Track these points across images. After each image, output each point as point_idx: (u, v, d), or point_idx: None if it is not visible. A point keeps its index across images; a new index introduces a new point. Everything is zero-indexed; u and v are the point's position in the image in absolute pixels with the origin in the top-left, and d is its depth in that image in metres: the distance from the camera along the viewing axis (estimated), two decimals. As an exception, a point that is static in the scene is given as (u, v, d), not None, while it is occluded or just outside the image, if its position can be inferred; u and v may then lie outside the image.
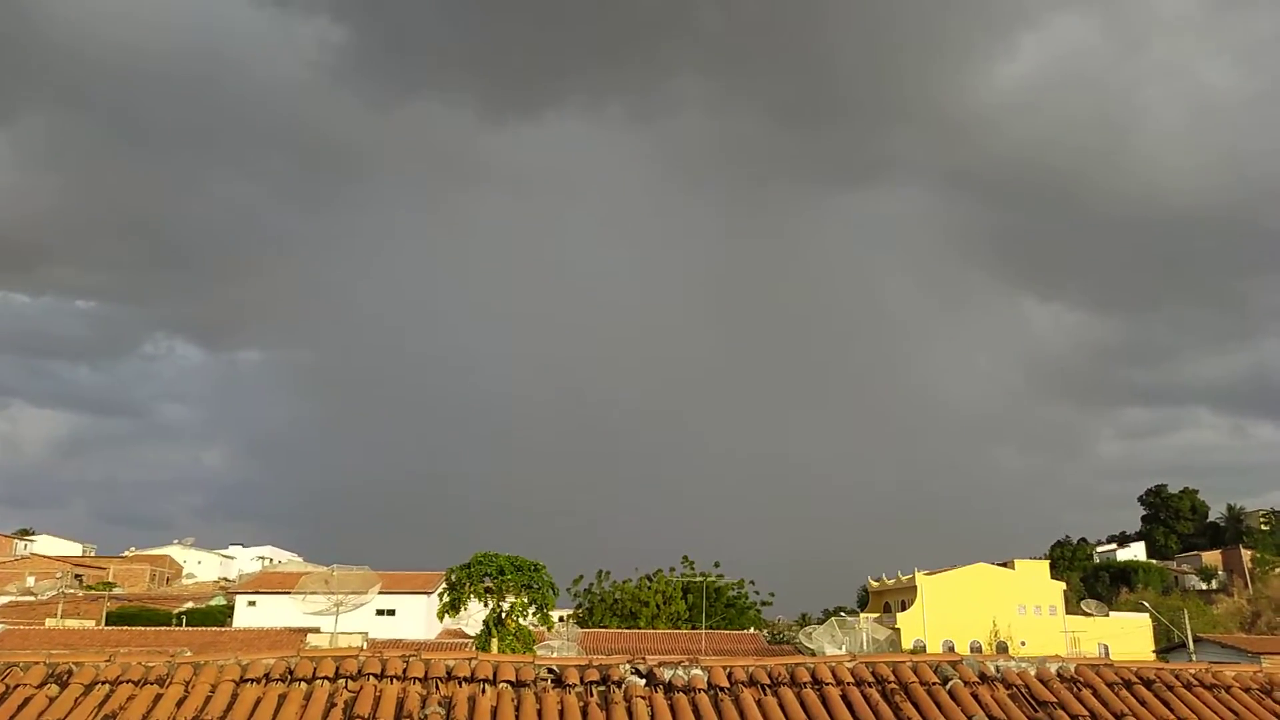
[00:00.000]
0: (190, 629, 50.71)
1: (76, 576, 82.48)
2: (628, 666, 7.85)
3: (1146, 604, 64.47)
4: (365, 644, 37.28)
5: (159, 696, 7.28)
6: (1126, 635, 58.48)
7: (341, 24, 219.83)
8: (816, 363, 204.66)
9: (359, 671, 7.59)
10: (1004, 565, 65.87)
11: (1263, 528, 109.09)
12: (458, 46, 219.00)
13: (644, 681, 7.72)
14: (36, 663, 7.67)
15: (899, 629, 59.33)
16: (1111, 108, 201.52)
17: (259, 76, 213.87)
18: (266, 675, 7.52)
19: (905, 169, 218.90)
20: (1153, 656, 53.09)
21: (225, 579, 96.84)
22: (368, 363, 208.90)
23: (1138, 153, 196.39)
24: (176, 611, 65.30)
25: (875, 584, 70.75)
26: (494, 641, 29.63)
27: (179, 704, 7.19)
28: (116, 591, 75.88)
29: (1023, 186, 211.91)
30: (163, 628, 51.29)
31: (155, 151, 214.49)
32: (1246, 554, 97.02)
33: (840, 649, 47.22)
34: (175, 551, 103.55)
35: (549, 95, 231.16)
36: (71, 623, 53.07)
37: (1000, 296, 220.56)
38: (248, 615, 52.75)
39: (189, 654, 9.57)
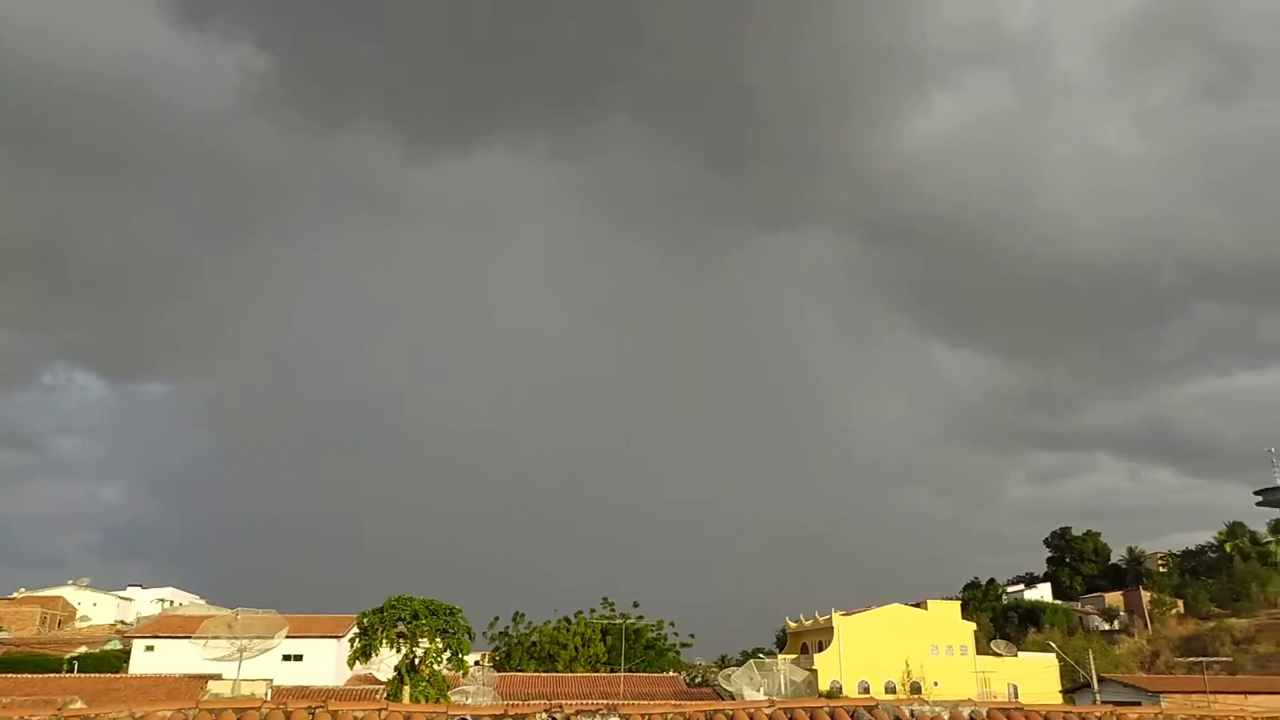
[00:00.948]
0: (83, 676, 48.08)
1: (-42, 620, 77.77)
2: (545, 715, 7.70)
3: (1053, 644, 66.23)
4: (270, 692, 35.90)
5: (43, 754, 6.85)
6: (1034, 675, 59.83)
7: (266, 53, 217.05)
8: (738, 403, 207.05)
9: (262, 724, 7.28)
10: (918, 606, 66.87)
11: (1161, 570, 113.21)
12: (387, 79, 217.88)
13: (560, 731, 7.56)
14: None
15: (816, 670, 59.62)
16: (1018, 167, 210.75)
17: (177, 102, 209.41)
18: (162, 729, 7.15)
19: (825, 216, 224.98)
20: (1059, 696, 54.44)
21: (122, 622, 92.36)
22: (277, 396, 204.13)
23: (1043, 211, 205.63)
24: (68, 657, 61.88)
25: (793, 625, 71.10)
26: (406, 689, 28.78)
27: (65, 762, 6.78)
28: (3, 636, 71.74)
29: (935, 237, 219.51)
30: (52, 675, 48.54)
31: (64, 175, 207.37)
32: (1146, 595, 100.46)
33: (759, 691, 47.25)
34: (69, 593, 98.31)
35: (477, 131, 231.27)
36: (-50, 670, 49.90)
37: (914, 342, 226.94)
38: (145, 661, 50.38)
39: (79, 704, 9.05)
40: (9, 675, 46.07)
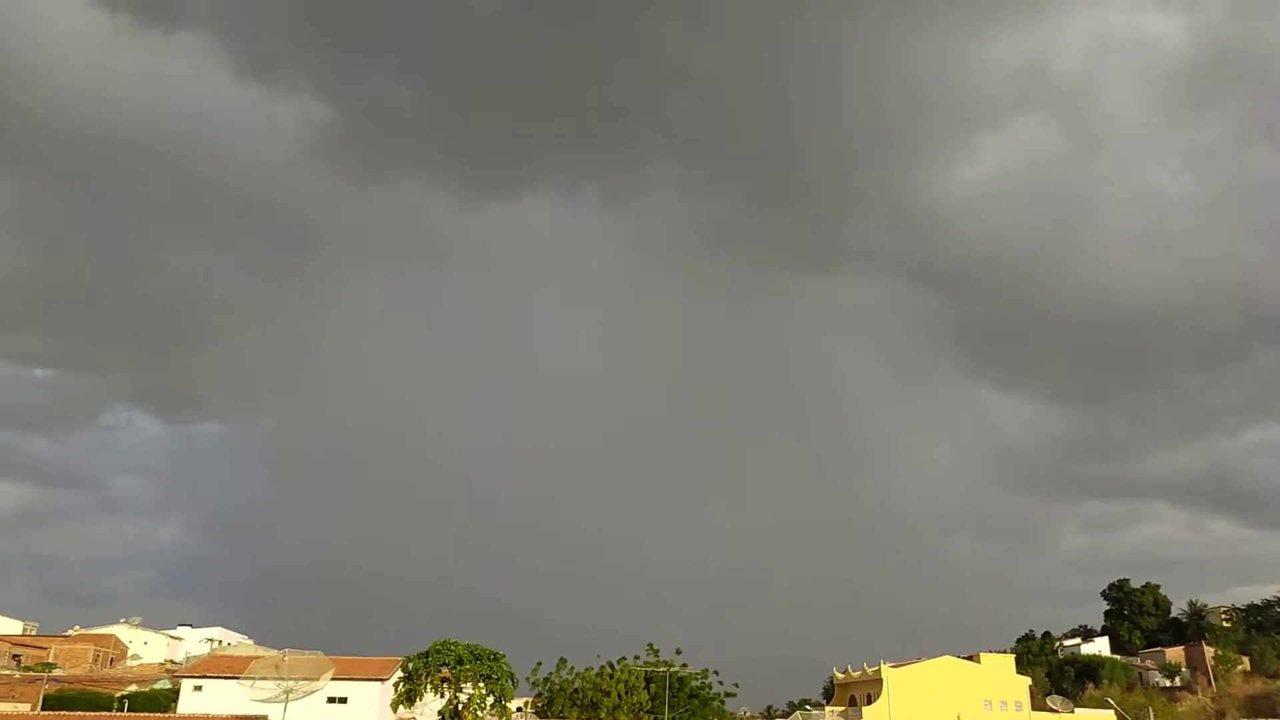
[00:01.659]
0: (132, 715, 48.65)
1: (14, 656, 79.21)
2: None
3: (1111, 700, 64.13)
4: (315, 734, 35.99)
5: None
6: (1092, 733, 57.96)
7: (324, 103, 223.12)
8: (782, 450, 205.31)
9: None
10: (970, 658, 65.26)
11: (1225, 625, 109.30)
12: (438, 128, 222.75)
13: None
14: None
15: (864, 723, 58.35)
16: (1067, 209, 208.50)
17: (238, 152, 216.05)
18: (215, 775, 7.24)
19: (871, 260, 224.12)
20: (1119, 756, 52.55)
21: (172, 661, 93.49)
22: (329, 440, 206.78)
23: (1092, 253, 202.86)
24: (119, 695, 62.69)
25: (840, 676, 69.71)
26: (450, 733, 28.70)
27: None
28: (56, 673, 72.85)
29: (982, 280, 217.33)
30: (103, 713, 49.19)
31: (122, 222, 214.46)
32: (1209, 651, 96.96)
33: (805, 744, 46.29)
34: (121, 631, 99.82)
35: (527, 176, 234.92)
36: (5, 707, 50.81)
37: (962, 387, 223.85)
38: (193, 701, 50.80)
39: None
40: (61, 714, 46.83)
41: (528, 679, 64.28)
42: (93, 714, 47.33)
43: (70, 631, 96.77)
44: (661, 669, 61.77)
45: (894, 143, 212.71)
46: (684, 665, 65.63)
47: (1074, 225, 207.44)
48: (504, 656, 30.67)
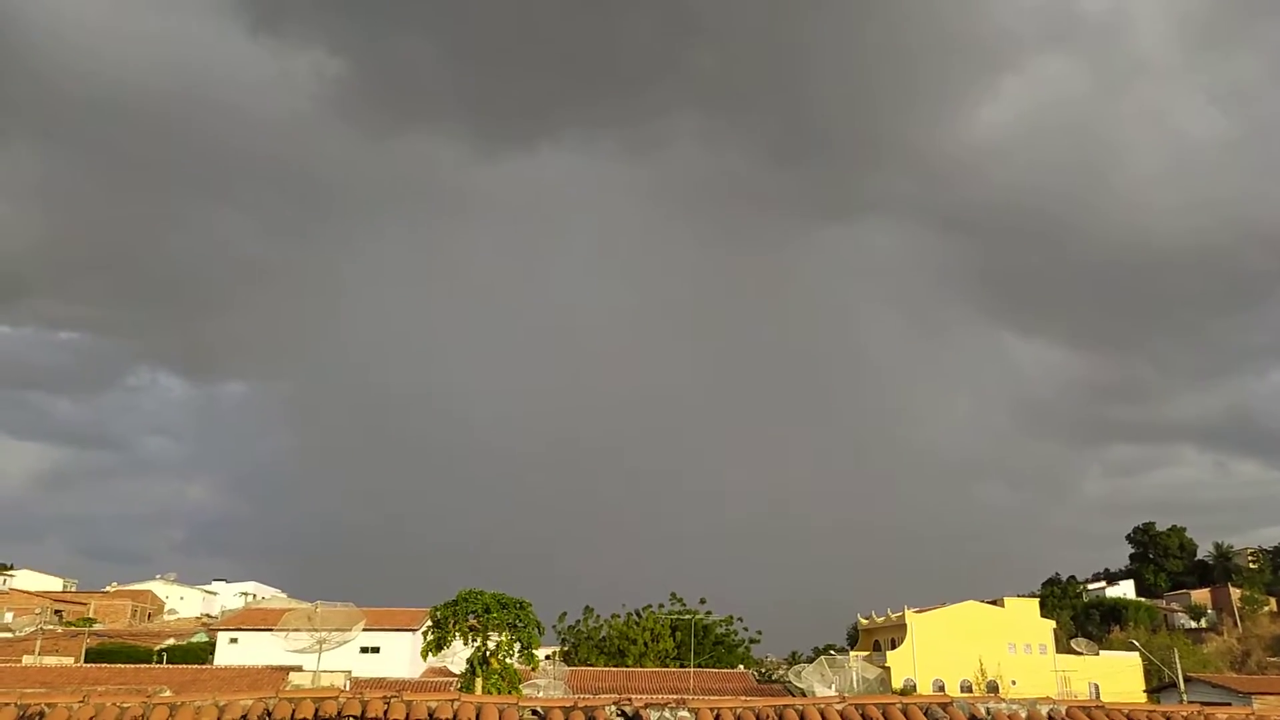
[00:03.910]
0: (171, 667, 49.91)
1: (56, 612, 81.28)
2: (614, 708, 7.74)
3: (1137, 643, 64.26)
4: (348, 683, 36.77)
5: (133, 739, 7.12)
6: (1117, 674, 58.13)
7: (338, 56, 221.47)
8: (806, 399, 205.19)
9: (339, 714, 7.45)
10: (994, 603, 65.47)
11: (1251, 566, 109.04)
12: (454, 79, 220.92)
13: (630, 724, 7.59)
14: (8, 703, 7.51)
15: (889, 667, 58.84)
16: (1093, 151, 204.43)
17: (255, 108, 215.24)
18: (244, 717, 7.37)
19: (892, 206, 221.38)
20: (1144, 696, 52.81)
21: (208, 615, 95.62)
22: (354, 397, 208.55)
23: (1118, 195, 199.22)
24: (158, 648, 64.32)
25: (865, 622, 70.26)
26: (478, 681, 29.19)
27: (154, 747, 7.04)
28: (97, 628, 74.82)
29: (1005, 225, 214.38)
30: (143, 665, 50.44)
31: (140, 184, 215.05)
32: (1235, 593, 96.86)
33: (830, 688, 46.82)
34: (157, 587, 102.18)
35: (544, 128, 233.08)
36: (50, 660, 52.21)
37: (985, 333, 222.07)
38: (230, 653, 52.00)
39: (167, 693, 9.38)
40: (104, 665, 48.10)
41: (554, 628, 65.33)
42: (133, 666, 48.54)
43: (108, 588, 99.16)
44: (687, 617, 62.53)
45: (917, 87, 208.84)
46: (708, 613, 66.48)
47: (1099, 166, 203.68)
48: (530, 605, 30.98)
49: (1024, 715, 8.07)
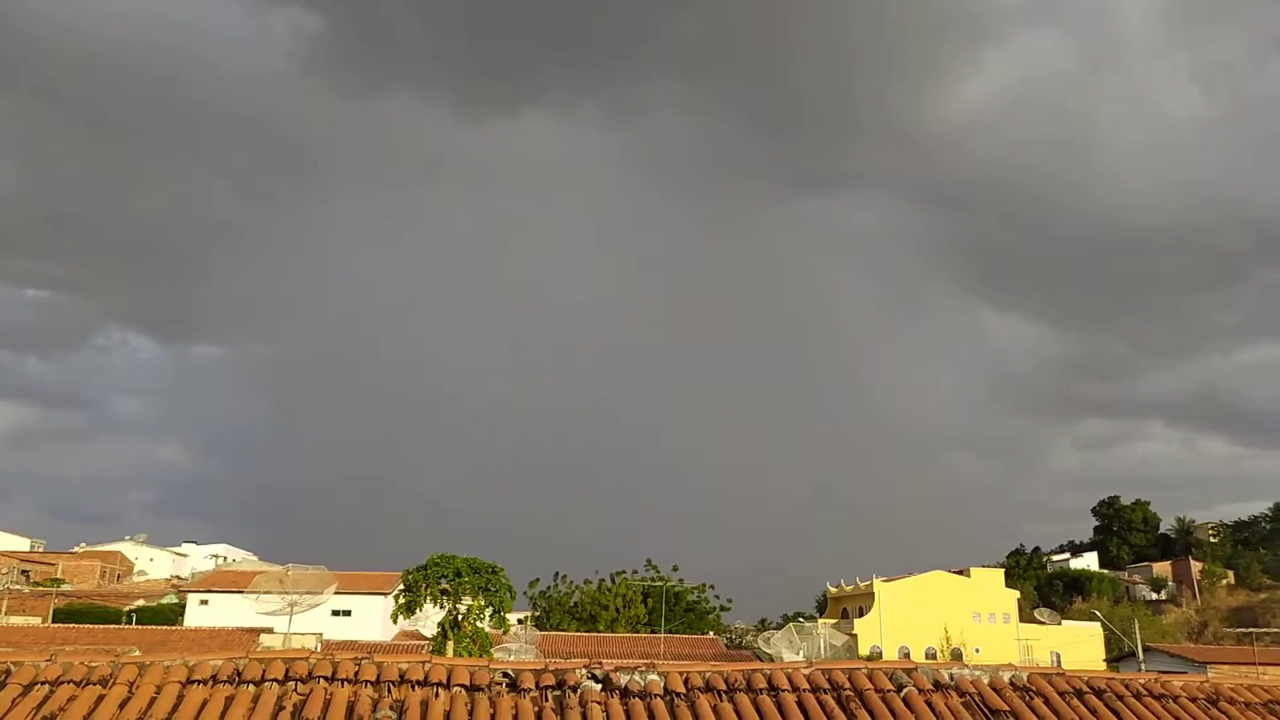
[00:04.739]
0: (140, 627, 49.76)
1: (23, 572, 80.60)
2: (584, 671, 7.80)
3: (1098, 613, 65.59)
4: (319, 645, 36.83)
5: (101, 698, 7.09)
6: (1079, 644, 59.42)
7: (315, 12, 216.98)
8: (780, 369, 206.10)
9: (309, 674, 7.45)
10: (960, 573, 66.57)
11: (1211, 540, 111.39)
12: (434, 39, 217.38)
13: (600, 686, 7.66)
14: (-26, 662, 7.45)
15: (856, 635, 59.78)
16: (1073, 128, 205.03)
17: (230, 65, 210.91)
18: (214, 677, 7.36)
19: (872, 179, 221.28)
20: (1104, 665, 53.99)
21: (178, 577, 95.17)
22: (326, 359, 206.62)
23: (1098, 172, 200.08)
24: (127, 609, 64.03)
25: (834, 590, 71.22)
26: (450, 644, 29.38)
27: (121, 705, 7.02)
28: (65, 588, 74.29)
29: (985, 200, 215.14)
30: (112, 626, 50.28)
31: (114, 140, 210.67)
32: (1195, 565, 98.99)
33: (798, 654, 47.48)
34: (127, 548, 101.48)
35: (525, 92, 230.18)
36: (17, 620, 51.86)
37: (962, 308, 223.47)
38: (200, 614, 51.90)
39: (136, 653, 9.37)
40: (72, 625, 47.88)
41: (525, 593, 65.72)
42: (102, 626, 48.38)
43: (77, 549, 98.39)
44: (659, 584, 63.11)
45: (902, 59, 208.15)
46: (681, 581, 67.13)
47: (1081, 143, 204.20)
48: (502, 570, 31.16)
49: (986, 681, 8.21)
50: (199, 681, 7.31)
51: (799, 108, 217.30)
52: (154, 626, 50.03)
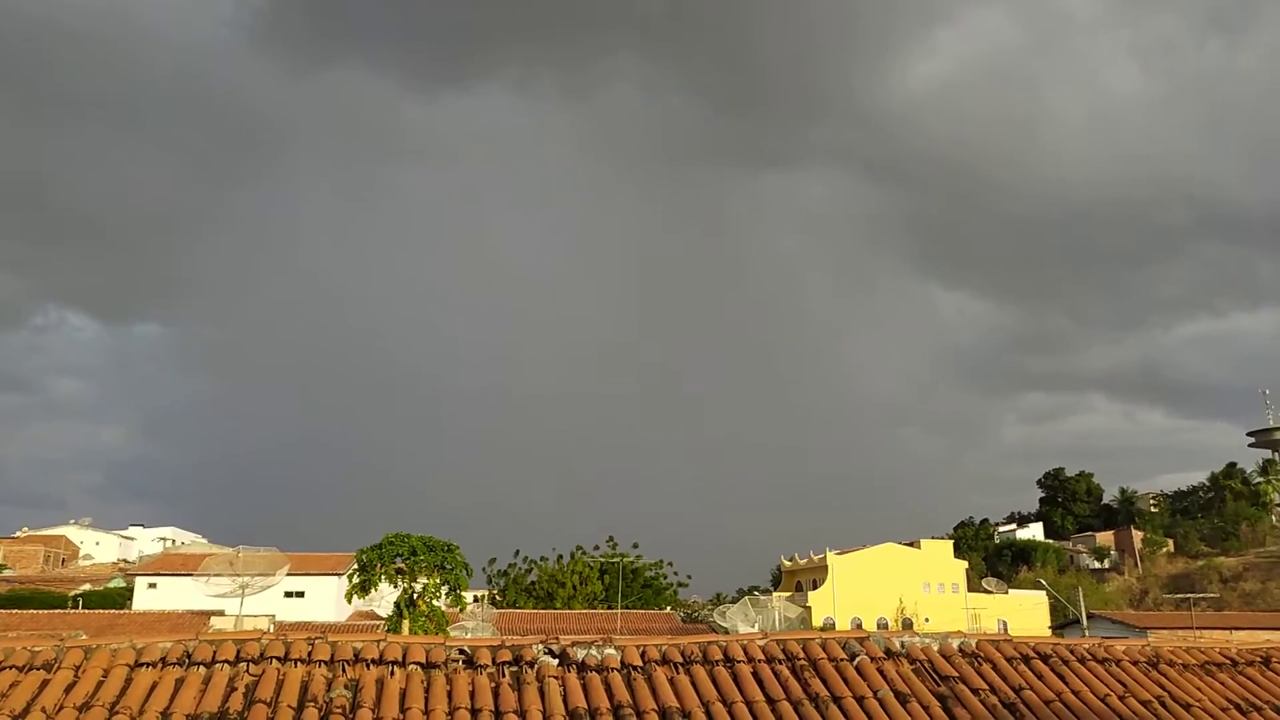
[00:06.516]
0: (87, 612, 48.79)
1: (-37, 559, 78.59)
2: (540, 647, 7.80)
3: (1044, 582, 67.30)
4: (272, 627, 36.43)
5: (46, 682, 6.94)
6: (1025, 612, 60.92)
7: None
8: (735, 345, 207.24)
9: (261, 655, 7.36)
10: (911, 545, 67.81)
11: (1152, 510, 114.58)
12: (385, 9, 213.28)
13: (557, 661, 7.68)
14: (-89, 649, 7.24)
15: (810, 607, 60.62)
16: (1020, 104, 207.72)
17: (168, 36, 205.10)
18: (163, 659, 7.24)
19: (826, 156, 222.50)
20: (1049, 632, 55.45)
21: (125, 561, 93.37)
22: (274, 338, 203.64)
23: (1043, 149, 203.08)
24: (73, 594, 62.73)
25: (788, 564, 72.13)
26: (405, 623, 29.25)
27: (67, 690, 6.87)
28: (7, 574, 72.66)
29: (934, 177, 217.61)
30: (57, 610, 49.23)
31: (50, 115, 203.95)
32: (1137, 535, 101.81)
33: (753, 627, 47.99)
34: (71, 532, 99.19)
35: (478, 67, 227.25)
36: (-43, 607, 50.56)
37: (912, 284, 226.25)
38: (148, 598, 51.05)
39: (83, 637, 9.18)
40: (15, 611, 46.76)
41: (483, 571, 65.63)
42: (47, 612, 47.34)
43: (19, 533, 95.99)
44: (615, 560, 63.36)
45: (856, 36, 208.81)
46: (639, 557, 67.50)
47: (1027, 120, 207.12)
48: (458, 548, 31.05)
49: (936, 649, 8.38)
50: (148, 664, 7.19)
51: (760, 88, 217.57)
52: (101, 611, 49.12)
